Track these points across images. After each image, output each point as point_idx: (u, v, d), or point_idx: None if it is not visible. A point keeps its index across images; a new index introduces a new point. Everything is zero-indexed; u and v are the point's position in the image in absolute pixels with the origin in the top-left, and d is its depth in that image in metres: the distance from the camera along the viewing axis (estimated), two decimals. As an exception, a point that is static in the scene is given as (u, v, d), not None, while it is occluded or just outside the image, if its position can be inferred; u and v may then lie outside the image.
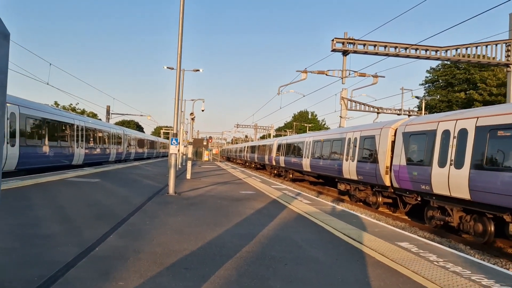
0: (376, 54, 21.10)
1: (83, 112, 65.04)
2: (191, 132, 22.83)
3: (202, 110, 25.95)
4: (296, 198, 13.13)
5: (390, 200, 18.43)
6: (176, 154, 12.69)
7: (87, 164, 27.17)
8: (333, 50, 20.99)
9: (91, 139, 27.23)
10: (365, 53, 20.99)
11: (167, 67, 27.54)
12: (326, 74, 21.79)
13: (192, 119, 22.25)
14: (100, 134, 29.38)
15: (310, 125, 76.08)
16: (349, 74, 21.58)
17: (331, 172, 23.55)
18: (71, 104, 63.32)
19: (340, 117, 43.08)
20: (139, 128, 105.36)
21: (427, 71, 63.90)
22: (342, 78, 21.36)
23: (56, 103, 61.00)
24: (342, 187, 22.22)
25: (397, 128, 17.01)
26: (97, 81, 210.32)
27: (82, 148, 24.60)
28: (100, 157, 29.72)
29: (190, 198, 11.96)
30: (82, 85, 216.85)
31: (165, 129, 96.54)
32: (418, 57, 21.55)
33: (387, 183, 17.04)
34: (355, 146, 20.27)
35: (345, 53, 21.05)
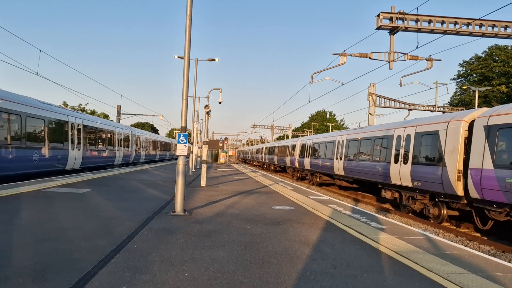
0: (432, 31, 17.07)
1: (93, 113, 62.12)
2: (206, 130, 19.13)
3: (220, 102, 22.17)
4: (357, 219, 9.19)
5: (455, 213, 14.51)
6: (185, 156, 8.99)
7: (88, 169, 23.70)
8: (379, 28, 17.02)
9: (92, 140, 23.70)
10: (418, 30, 16.98)
11: (178, 57, 23.98)
12: (370, 58, 17.88)
13: (207, 113, 18.54)
14: (103, 134, 25.86)
15: (333, 124, 71.71)
16: (397, 58, 17.65)
17: (372, 177, 19.54)
18: (80, 104, 60.39)
19: (369, 114, 39.15)
20: (154, 130, 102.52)
21: (460, 64, 59.18)
22: (389, 62, 17.41)
23: (64, 103, 58.19)
24: (388, 194, 18.17)
25: (473, 120, 13.01)
26: (106, 80, 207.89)
27: (79, 150, 21.05)
28: (103, 160, 26.20)
29: (205, 221, 8.16)
30: (90, 83, 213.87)
31: (179, 131, 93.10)
32: (483, 35, 17.42)
33: (459, 192, 13.05)
34: (409, 145, 16.28)
35: (393, 31, 17.07)
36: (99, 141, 25.07)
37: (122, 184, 15.60)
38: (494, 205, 11.60)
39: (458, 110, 43.78)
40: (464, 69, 59.04)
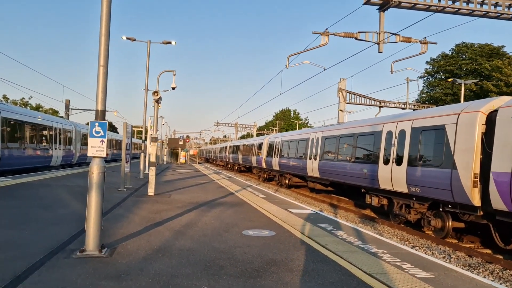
0: (428, 8, 14.38)
1: (38, 108, 56.15)
2: (155, 123, 15.48)
3: (173, 88, 18.50)
4: (375, 255, 5.93)
5: (461, 225, 11.83)
6: (101, 158, 5.46)
7: (12, 172, 19.37)
8: (367, 3, 14.14)
9: (17, 136, 19.36)
10: (413, 6, 14.23)
11: (127, 38, 20.11)
12: (356, 38, 14.98)
13: (157, 101, 14.87)
14: (35, 130, 21.52)
15: (299, 122, 69.22)
16: (388, 38, 14.83)
17: (355, 180, 16.66)
18: (23, 98, 54.29)
19: (340, 110, 36.82)
20: (113, 128, 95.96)
21: (427, 62, 58.18)
22: (378, 44, 14.59)
23: (4, 96, 52.10)
24: (374, 201, 15.31)
25: (493, 112, 10.30)
26: (51, 73, 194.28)
27: (-4, 148, 16.79)
28: (35, 161, 21.81)
29: (129, 273, 4.53)
30: (36, 79, 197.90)
31: (136, 128, 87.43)
32: (485, 14, 14.95)
33: (475, 202, 10.28)
34: (403, 143, 13.45)
35: (383, 6, 14.24)
36: (29, 138, 20.73)
37: (40, 195, 11.71)
38: (532, 220, 8.89)
39: (428, 107, 42.15)
40: (431, 67, 58.12)
